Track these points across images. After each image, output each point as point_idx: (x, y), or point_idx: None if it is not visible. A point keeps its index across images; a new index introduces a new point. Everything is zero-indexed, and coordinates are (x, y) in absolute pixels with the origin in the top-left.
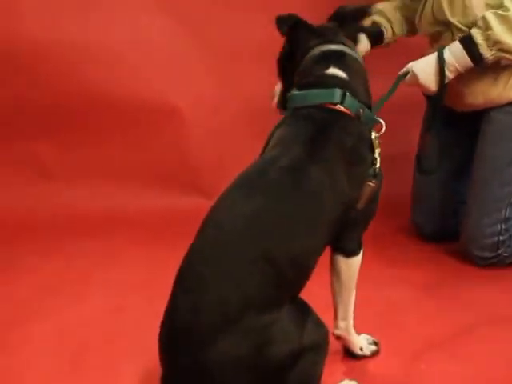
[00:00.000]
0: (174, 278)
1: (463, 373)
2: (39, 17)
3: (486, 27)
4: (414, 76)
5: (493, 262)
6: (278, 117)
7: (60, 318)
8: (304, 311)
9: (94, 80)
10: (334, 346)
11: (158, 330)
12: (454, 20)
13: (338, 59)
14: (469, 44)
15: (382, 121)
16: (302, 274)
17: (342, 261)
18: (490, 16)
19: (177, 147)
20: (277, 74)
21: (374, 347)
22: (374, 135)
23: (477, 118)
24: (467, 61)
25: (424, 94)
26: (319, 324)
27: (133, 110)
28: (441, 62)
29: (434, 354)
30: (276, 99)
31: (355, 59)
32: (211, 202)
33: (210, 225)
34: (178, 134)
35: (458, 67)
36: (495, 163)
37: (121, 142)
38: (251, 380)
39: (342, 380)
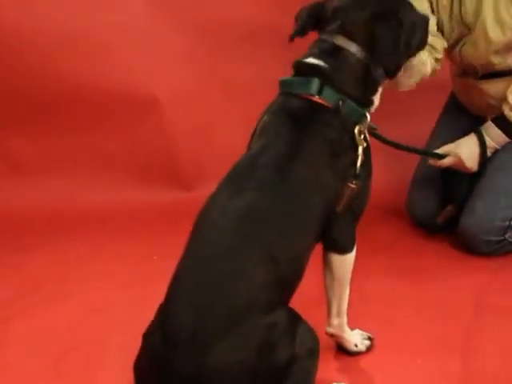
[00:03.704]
0: (157, 272)
1: (461, 367)
2: (11, 4)
3: None
4: (461, 161)
5: (495, 249)
6: (260, 106)
7: (43, 316)
8: (294, 317)
9: (71, 69)
10: (327, 342)
11: (142, 327)
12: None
13: (326, 49)
14: (505, 125)
15: (367, 115)
16: (298, 273)
17: (334, 258)
18: None
19: (157, 138)
20: None
21: (368, 342)
22: (357, 130)
23: None
24: (505, 139)
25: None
26: (310, 330)
27: (110, 100)
28: (483, 147)
29: (432, 348)
30: None
31: (352, 55)
32: (192, 194)
33: (206, 224)
34: (157, 125)
35: (497, 146)
36: None
37: (98, 133)
38: None
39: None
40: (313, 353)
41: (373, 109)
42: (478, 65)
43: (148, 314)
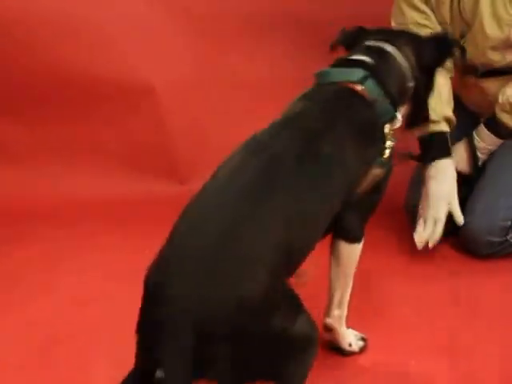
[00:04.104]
0: (148, 265)
1: (453, 369)
2: None
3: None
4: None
5: (497, 251)
6: (260, 99)
7: (28, 308)
8: (297, 300)
9: (67, 58)
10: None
11: (132, 320)
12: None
13: (372, 50)
14: (494, 126)
15: (399, 116)
16: (305, 247)
17: (343, 246)
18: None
19: (153, 128)
20: None
21: (362, 343)
22: (387, 128)
23: None
24: (496, 139)
25: None
26: (311, 320)
27: (107, 90)
28: (472, 149)
29: (424, 350)
30: None
31: (396, 59)
32: (187, 187)
33: (221, 177)
34: (153, 114)
35: (489, 147)
36: None
37: (93, 122)
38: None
39: None
40: (310, 341)
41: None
42: (477, 62)
43: (136, 307)
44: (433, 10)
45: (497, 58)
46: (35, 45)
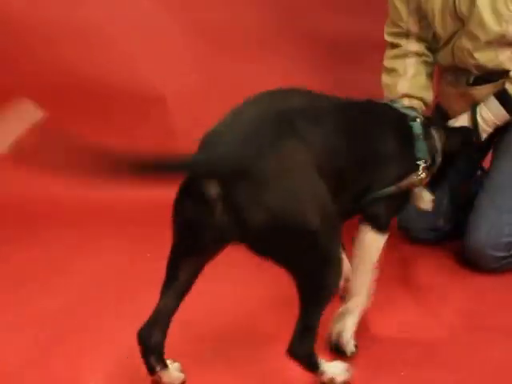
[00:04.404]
0: (148, 270)
1: (444, 380)
2: None
3: None
4: None
5: (502, 265)
6: None
7: (28, 310)
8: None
9: (76, 62)
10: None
11: (134, 323)
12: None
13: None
14: (506, 99)
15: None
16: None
17: (369, 234)
18: None
19: (160, 136)
20: None
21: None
22: (421, 166)
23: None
24: (505, 115)
25: None
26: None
27: (115, 96)
28: (474, 120)
29: (414, 360)
30: None
31: (434, 137)
32: None
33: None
34: (162, 123)
35: (497, 121)
36: None
37: (101, 129)
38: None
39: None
40: (338, 262)
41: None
42: (470, 63)
43: (136, 307)
44: (420, 7)
45: (490, 56)
46: (47, 49)
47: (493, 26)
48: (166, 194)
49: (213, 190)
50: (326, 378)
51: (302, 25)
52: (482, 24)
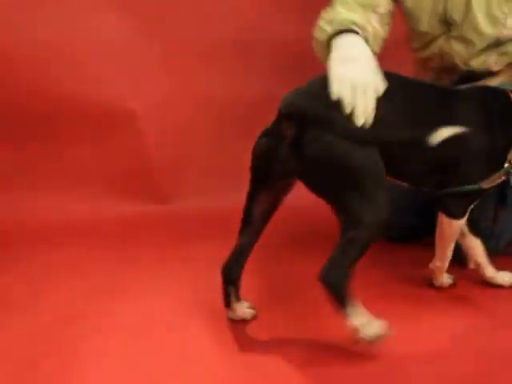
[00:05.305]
0: (131, 286)
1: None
2: None
3: None
4: None
5: None
6: (239, 120)
7: (13, 326)
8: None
9: (46, 81)
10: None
11: (114, 338)
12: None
13: None
14: None
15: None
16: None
17: (444, 219)
18: None
19: (131, 151)
20: None
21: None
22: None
23: None
24: None
25: None
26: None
27: (86, 112)
28: None
29: (418, 356)
30: None
31: None
32: (167, 207)
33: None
34: (133, 137)
35: None
36: None
37: (73, 143)
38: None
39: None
40: (379, 204)
41: None
42: (459, 63)
43: (118, 324)
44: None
45: (481, 61)
46: (16, 70)
47: (488, 30)
48: (143, 211)
49: (289, 130)
50: (350, 324)
51: (276, 36)
52: (477, 29)
